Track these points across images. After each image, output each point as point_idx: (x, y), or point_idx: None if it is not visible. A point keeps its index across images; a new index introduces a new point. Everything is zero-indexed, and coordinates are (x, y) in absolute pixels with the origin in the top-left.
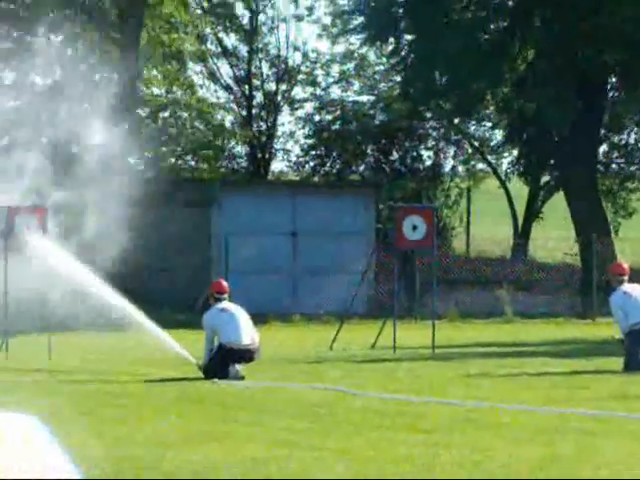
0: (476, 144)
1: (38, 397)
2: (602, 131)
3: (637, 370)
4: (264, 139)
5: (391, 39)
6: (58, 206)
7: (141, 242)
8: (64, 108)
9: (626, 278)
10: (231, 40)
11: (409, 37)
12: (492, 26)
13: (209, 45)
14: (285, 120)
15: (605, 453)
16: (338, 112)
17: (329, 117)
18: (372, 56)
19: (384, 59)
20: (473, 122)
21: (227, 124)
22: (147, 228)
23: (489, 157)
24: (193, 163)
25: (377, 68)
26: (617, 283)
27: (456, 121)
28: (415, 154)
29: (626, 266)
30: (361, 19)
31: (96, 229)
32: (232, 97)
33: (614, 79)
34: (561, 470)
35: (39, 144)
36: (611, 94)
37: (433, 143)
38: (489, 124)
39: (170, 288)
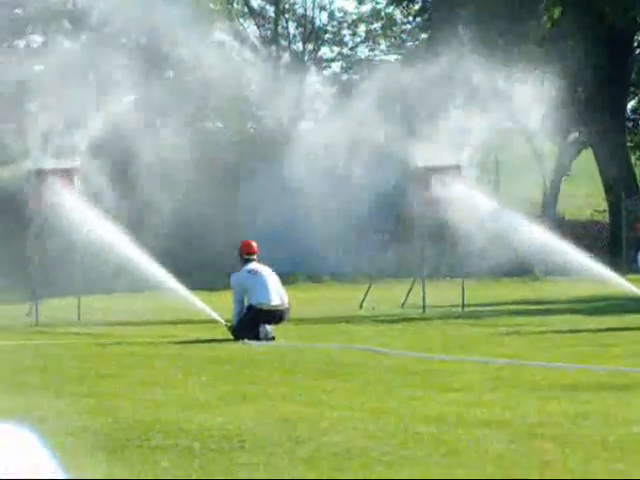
0: (504, 103)
1: (68, 360)
2: (630, 88)
3: None
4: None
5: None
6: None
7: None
8: None
9: None
10: (258, 0)
11: None
12: None
13: (235, 5)
14: (312, 80)
15: (636, 410)
16: (365, 71)
17: (356, 76)
18: (398, 15)
19: (410, 18)
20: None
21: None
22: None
23: (517, 115)
24: (220, 125)
25: (404, 27)
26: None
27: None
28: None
29: None
30: None
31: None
32: (259, 57)
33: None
34: (591, 428)
35: None
36: (639, 51)
37: (460, 101)
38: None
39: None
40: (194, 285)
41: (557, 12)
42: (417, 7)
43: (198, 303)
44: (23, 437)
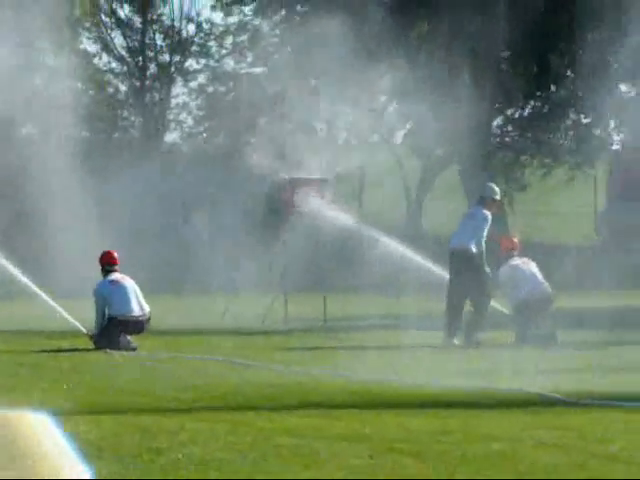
0: (369, 116)
1: None
2: (496, 105)
3: (527, 344)
4: (157, 110)
5: (282, 9)
6: None
7: None
8: None
9: (516, 252)
10: (125, 11)
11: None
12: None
13: (102, 17)
14: (179, 91)
15: (496, 426)
16: (231, 84)
17: (222, 89)
18: (265, 27)
19: (277, 31)
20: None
21: (120, 95)
22: None
23: (382, 129)
24: (88, 134)
25: (271, 40)
26: (506, 257)
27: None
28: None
29: (516, 240)
30: None
31: None
32: (126, 68)
33: (507, 52)
34: (452, 444)
35: None
36: (504, 67)
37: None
38: (383, 97)
39: None
40: (57, 293)
41: (424, 27)
42: (279, 18)
43: (61, 312)
44: (41, 424)
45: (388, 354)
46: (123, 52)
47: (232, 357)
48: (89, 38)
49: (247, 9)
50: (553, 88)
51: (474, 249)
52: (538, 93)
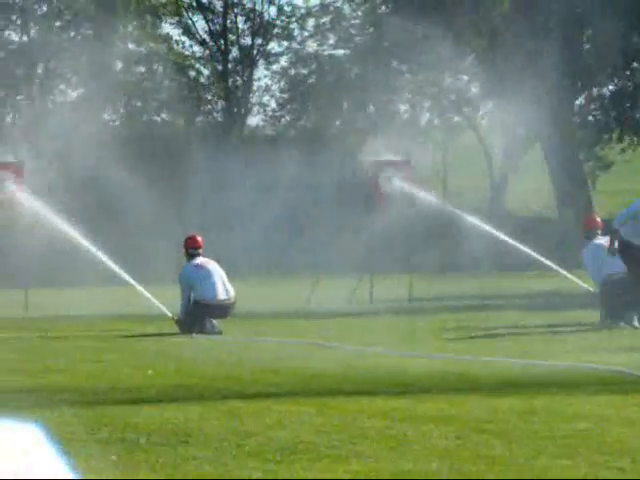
0: (452, 97)
1: (14, 353)
2: (579, 84)
3: (613, 322)
4: (240, 93)
5: None
6: None
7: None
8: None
9: (599, 232)
10: None
11: None
12: None
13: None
14: (261, 74)
15: (583, 405)
16: (314, 66)
17: (305, 71)
18: (347, 9)
19: (359, 12)
20: (449, 75)
21: (203, 79)
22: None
23: (465, 109)
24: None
25: (353, 22)
26: (590, 236)
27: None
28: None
29: (599, 220)
30: None
31: None
32: (208, 52)
33: (589, 30)
34: (538, 423)
35: None
36: (588, 47)
37: (409, 96)
38: (466, 77)
39: None
40: (143, 278)
41: (507, 5)
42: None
43: (148, 297)
44: (29, 434)
45: (473, 334)
46: (205, 36)
47: (318, 340)
48: (171, 23)
49: None
50: (637, 65)
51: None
52: (621, 71)
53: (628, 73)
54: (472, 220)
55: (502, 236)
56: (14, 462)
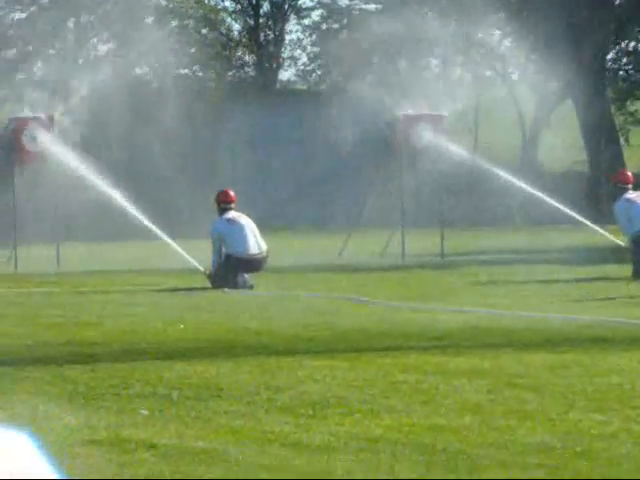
0: (483, 51)
1: (46, 308)
2: (611, 37)
3: None
4: (271, 48)
5: None
6: None
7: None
8: None
9: (630, 186)
10: None
11: None
12: None
13: None
14: (292, 28)
15: (615, 360)
16: (345, 20)
17: (336, 25)
18: None
19: None
20: (481, 30)
21: (234, 33)
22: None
23: (496, 64)
24: (201, 73)
25: None
26: (621, 191)
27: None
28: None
29: (630, 174)
30: None
31: None
32: (239, 6)
33: None
34: (571, 378)
35: None
36: (619, 1)
37: (440, 50)
38: (498, 31)
39: None
40: (173, 233)
41: None
42: None
43: (179, 251)
44: (19, 441)
45: (506, 288)
46: None
47: (349, 294)
48: None
49: None
50: None
51: None
52: None
53: None
54: (503, 174)
55: (533, 191)
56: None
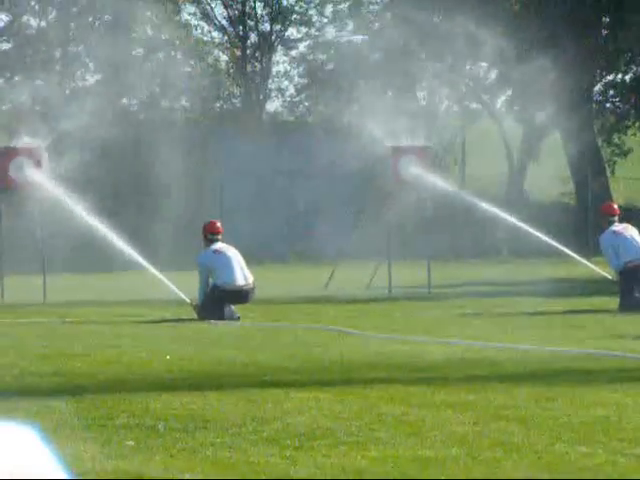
0: (470, 83)
1: (32, 339)
2: (597, 70)
3: (631, 309)
4: (258, 79)
5: None
6: None
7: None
8: None
9: (616, 218)
10: None
11: None
12: None
13: None
14: (279, 60)
15: (601, 392)
16: (332, 52)
17: (323, 57)
18: None
19: None
20: (468, 62)
21: (221, 65)
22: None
23: (483, 96)
24: (187, 104)
25: (371, 7)
26: (607, 223)
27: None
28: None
29: (616, 206)
30: None
31: None
32: (226, 38)
33: (607, 17)
34: (557, 410)
35: None
36: (605, 33)
37: (427, 83)
38: (484, 63)
39: None
40: (160, 264)
41: None
42: None
43: (165, 282)
44: (24, 437)
45: (492, 320)
46: (224, 22)
47: (336, 325)
48: (190, 13)
49: None
50: None
51: None
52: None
53: None
54: (490, 207)
55: (520, 223)
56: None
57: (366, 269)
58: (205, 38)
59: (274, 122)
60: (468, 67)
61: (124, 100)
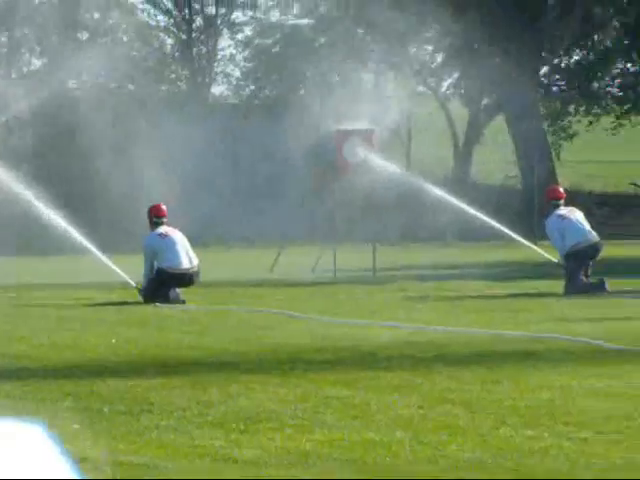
0: (417, 67)
1: None
2: (542, 54)
3: (577, 292)
4: (204, 63)
5: None
6: None
7: None
8: None
9: (562, 202)
10: None
11: None
12: None
13: None
14: (225, 44)
15: (546, 376)
16: (278, 35)
17: (269, 40)
18: None
19: None
20: (414, 45)
21: (167, 49)
22: None
23: (429, 79)
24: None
25: None
26: (553, 207)
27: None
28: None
29: (562, 190)
30: None
31: None
32: (172, 21)
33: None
34: (502, 393)
35: None
36: (552, 16)
37: (373, 65)
38: (430, 47)
39: None
40: (104, 247)
41: None
42: None
43: (110, 265)
44: (32, 435)
45: (438, 304)
46: (169, 5)
47: (281, 309)
48: None
49: None
50: (599, 37)
51: None
52: (583, 42)
53: (590, 44)
54: (436, 191)
55: (466, 207)
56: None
57: (311, 253)
58: (151, 22)
59: (219, 105)
60: (414, 50)
61: (70, 83)
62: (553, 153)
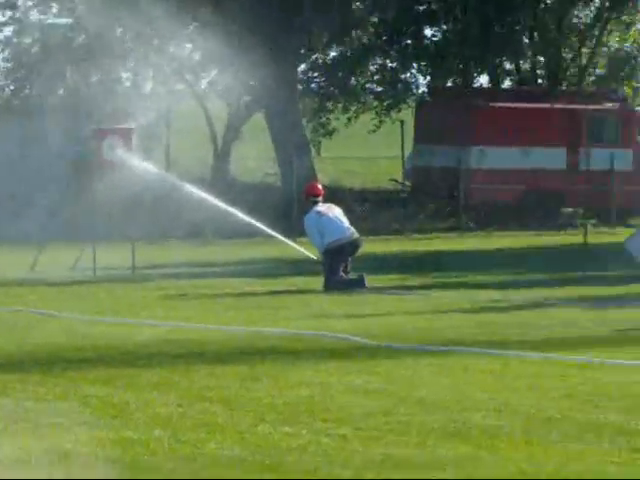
0: (175, 64)
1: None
2: (302, 50)
3: (335, 289)
4: None
5: None
6: None
7: None
8: None
9: (320, 199)
10: None
11: None
12: None
13: None
14: None
15: (305, 373)
16: (37, 35)
17: (28, 40)
18: None
19: None
20: (172, 43)
21: None
22: None
23: (187, 77)
24: None
25: None
26: (312, 204)
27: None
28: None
29: (320, 186)
30: None
31: None
32: None
33: None
34: (261, 391)
35: None
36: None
37: (132, 64)
38: (189, 45)
39: None
40: None
41: None
42: None
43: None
44: None
45: (196, 302)
46: None
47: (40, 308)
48: None
49: None
50: (357, 33)
51: None
52: (340, 38)
53: (348, 40)
54: (192, 189)
55: (223, 204)
56: None
57: (73, 251)
58: None
59: None
60: (172, 49)
61: None
62: (312, 150)
